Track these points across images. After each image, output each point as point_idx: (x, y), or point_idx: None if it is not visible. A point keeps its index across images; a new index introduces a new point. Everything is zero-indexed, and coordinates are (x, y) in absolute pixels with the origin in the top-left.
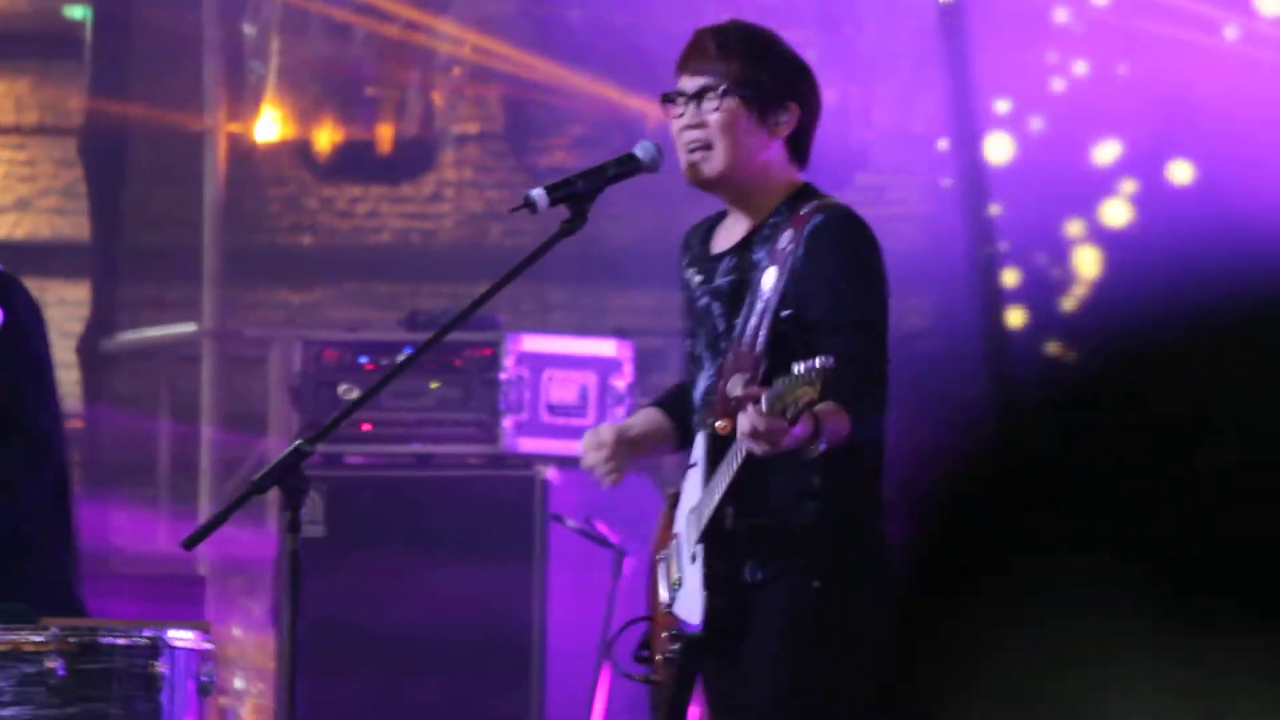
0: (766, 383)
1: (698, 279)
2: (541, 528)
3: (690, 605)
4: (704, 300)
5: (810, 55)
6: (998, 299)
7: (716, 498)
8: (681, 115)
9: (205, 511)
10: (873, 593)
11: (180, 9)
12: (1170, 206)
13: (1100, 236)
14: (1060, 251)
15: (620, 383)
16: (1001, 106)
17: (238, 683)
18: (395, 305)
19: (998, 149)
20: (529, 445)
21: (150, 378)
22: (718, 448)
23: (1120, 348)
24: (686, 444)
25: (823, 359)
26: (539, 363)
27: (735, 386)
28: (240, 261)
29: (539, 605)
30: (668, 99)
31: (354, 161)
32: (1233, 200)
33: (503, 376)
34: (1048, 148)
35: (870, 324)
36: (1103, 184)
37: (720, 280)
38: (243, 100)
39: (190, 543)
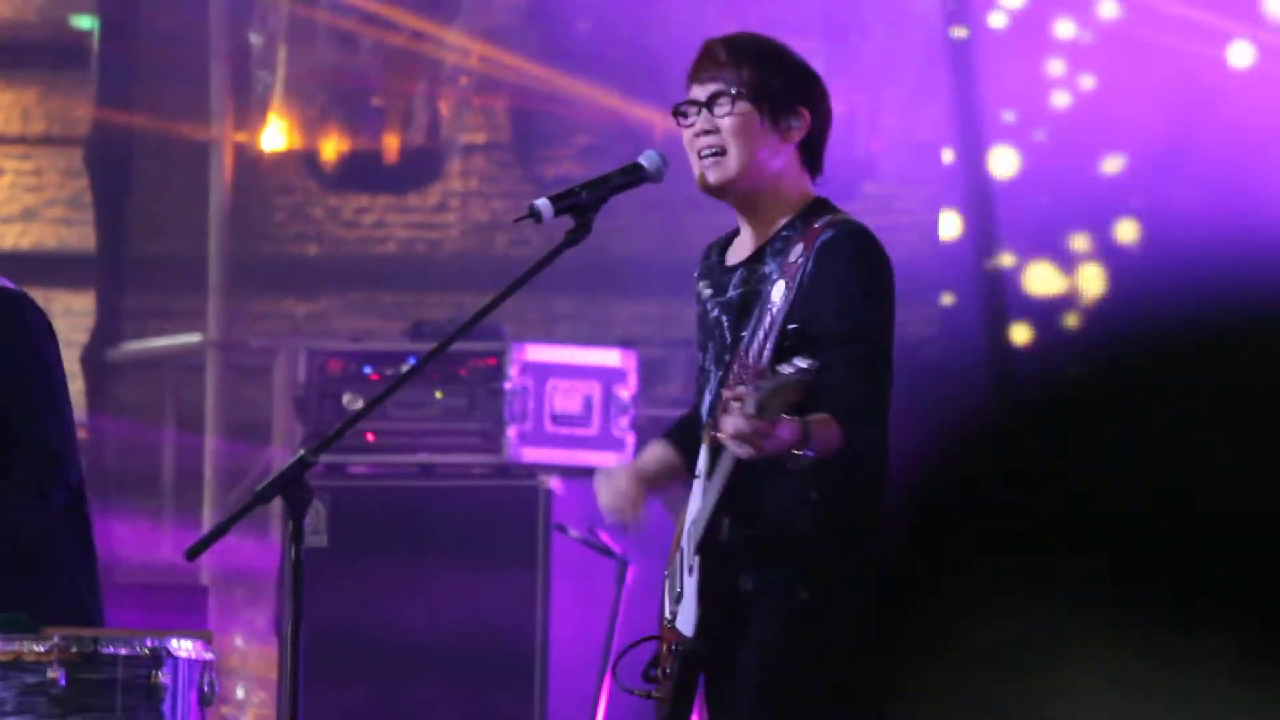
0: None
1: (709, 292)
2: (545, 537)
3: (688, 617)
4: (714, 313)
5: (817, 65)
6: (1003, 309)
7: (711, 507)
8: (693, 124)
9: (209, 521)
10: (863, 606)
11: (187, 19)
12: (1177, 221)
13: (1106, 251)
14: (1066, 265)
15: (625, 393)
16: (1008, 117)
17: (240, 693)
18: (401, 315)
19: (1003, 162)
20: (533, 455)
21: (155, 387)
22: (716, 458)
23: (1125, 363)
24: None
25: (810, 361)
26: (543, 372)
27: None
28: (246, 271)
29: (542, 615)
30: (678, 110)
31: (360, 171)
32: (1240, 214)
33: (507, 386)
34: (1054, 160)
35: (872, 338)
36: (1110, 198)
37: (731, 293)
38: (249, 110)
39: (193, 553)
